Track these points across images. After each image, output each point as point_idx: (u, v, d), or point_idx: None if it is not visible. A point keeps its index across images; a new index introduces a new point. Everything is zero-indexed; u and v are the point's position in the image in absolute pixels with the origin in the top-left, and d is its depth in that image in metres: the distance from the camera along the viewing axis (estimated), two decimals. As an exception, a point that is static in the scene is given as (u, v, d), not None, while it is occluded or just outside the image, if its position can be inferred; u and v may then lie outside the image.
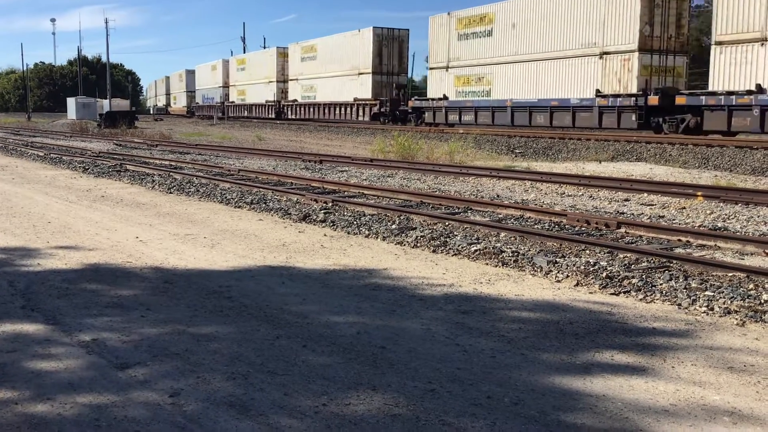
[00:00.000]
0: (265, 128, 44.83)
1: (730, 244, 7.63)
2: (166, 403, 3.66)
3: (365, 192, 12.24)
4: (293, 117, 52.09)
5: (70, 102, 66.71)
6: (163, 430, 3.37)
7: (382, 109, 40.91)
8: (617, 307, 5.51)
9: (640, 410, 3.61)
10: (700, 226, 9.06)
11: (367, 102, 42.27)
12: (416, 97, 39.08)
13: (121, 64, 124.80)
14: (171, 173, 15.34)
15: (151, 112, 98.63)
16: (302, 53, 51.70)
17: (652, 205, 11.08)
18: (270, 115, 56.28)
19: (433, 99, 36.42)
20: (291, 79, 53.60)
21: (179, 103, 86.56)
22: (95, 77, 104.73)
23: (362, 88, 42.95)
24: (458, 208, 10.39)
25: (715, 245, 7.67)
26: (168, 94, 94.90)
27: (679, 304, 5.53)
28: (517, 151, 25.08)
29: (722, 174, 16.90)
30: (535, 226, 8.88)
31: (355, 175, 15.75)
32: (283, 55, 55.85)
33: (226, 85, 68.41)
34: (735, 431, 3.39)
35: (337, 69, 45.89)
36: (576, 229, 8.75)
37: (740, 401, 3.75)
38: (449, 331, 4.87)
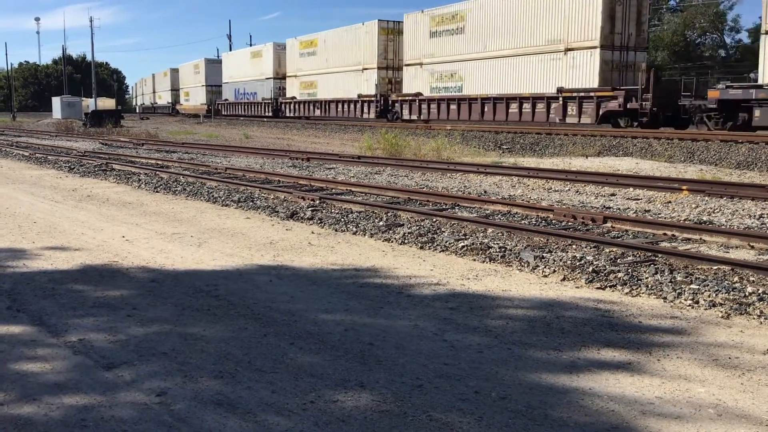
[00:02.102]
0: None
1: (715, 238, 7.69)
2: (153, 403, 3.65)
3: (353, 189, 12.23)
4: (414, 117, 36.08)
5: (55, 101, 66.25)
6: (150, 430, 3.36)
7: (627, 105, 24.86)
8: (603, 301, 5.54)
9: (626, 404, 3.64)
10: (685, 219, 9.12)
11: (594, 93, 26.04)
12: (726, 84, 22.77)
13: (106, 63, 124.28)
14: (157, 172, 15.27)
15: (137, 111, 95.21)
16: (433, 26, 35.00)
17: (638, 199, 11.15)
18: (366, 115, 40.45)
19: None
20: (410, 64, 37.15)
21: (194, 99, 70.60)
22: (80, 76, 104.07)
23: (576, 72, 27.17)
24: (446, 205, 10.40)
25: (700, 239, 7.73)
26: (176, 89, 78.74)
27: (665, 298, 5.56)
28: (504, 147, 25.12)
29: (707, 168, 17.02)
30: (522, 222, 8.91)
31: (343, 172, 15.74)
32: (387, 31, 39.57)
33: (280, 76, 52.43)
34: (720, 423, 3.42)
35: (516, 45, 29.80)
36: (563, 224, 8.78)
37: (725, 394, 3.78)
38: (437, 327, 4.89)
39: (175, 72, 79.69)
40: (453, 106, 33.66)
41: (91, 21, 67.25)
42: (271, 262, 6.96)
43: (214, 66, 66.96)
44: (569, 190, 12.42)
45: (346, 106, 42.85)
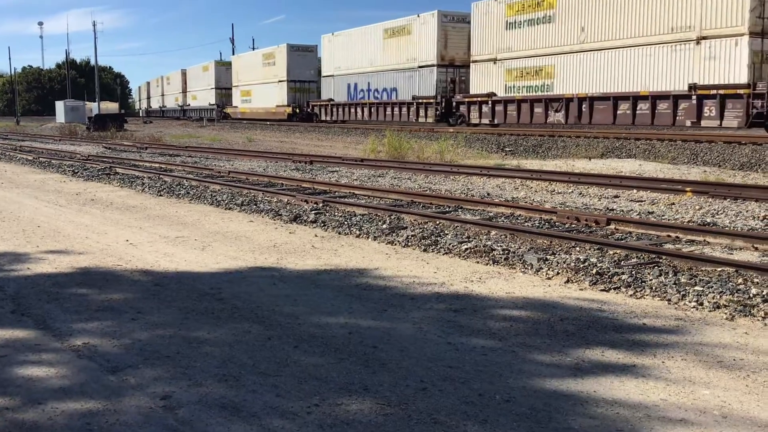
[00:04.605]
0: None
1: (719, 239, 7.68)
2: (158, 407, 3.66)
3: (356, 192, 12.24)
4: None
5: (59, 105, 66.48)
6: (155, 434, 3.36)
7: None
8: (607, 303, 5.54)
9: (631, 406, 3.63)
10: (689, 221, 9.11)
11: None
12: None
13: (109, 67, 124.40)
14: (161, 175, 15.30)
15: (141, 114, 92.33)
16: None
17: (642, 201, 11.13)
18: (716, 120, 22.12)
19: None
20: None
21: (264, 100, 53.37)
22: (84, 80, 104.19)
23: None
24: (449, 207, 10.40)
25: (704, 240, 7.71)
26: (223, 88, 63.22)
27: (669, 300, 5.56)
28: (507, 149, 25.12)
29: (711, 169, 16.99)
30: (526, 224, 8.90)
31: (346, 175, 15.75)
32: None
33: (448, 62, 34.94)
34: (725, 426, 3.41)
35: None
36: (566, 226, 8.78)
37: (730, 396, 3.77)
38: (441, 330, 4.89)
39: (222, 66, 64.33)
40: None
41: (94, 25, 67.34)
42: (274, 265, 6.97)
43: (299, 55, 49.85)
44: (572, 192, 12.41)
45: (646, 104, 24.21)
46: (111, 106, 67.46)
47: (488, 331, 4.87)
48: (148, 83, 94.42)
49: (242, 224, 9.42)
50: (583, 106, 26.76)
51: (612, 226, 8.53)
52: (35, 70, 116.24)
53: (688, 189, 11.67)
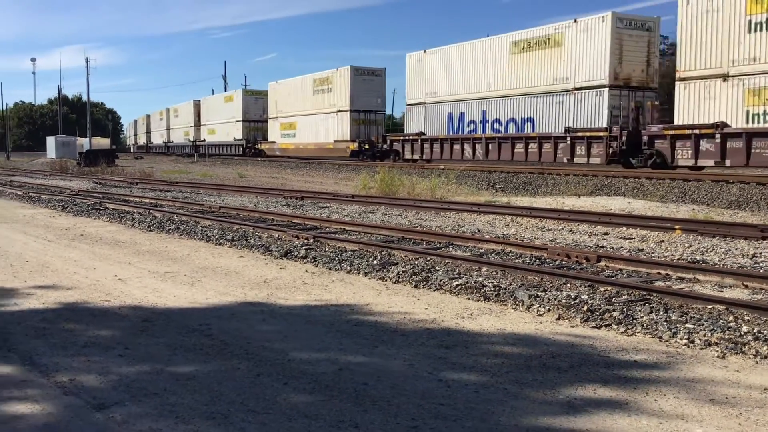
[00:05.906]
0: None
1: (709, 277, 7.69)
2: (144, 444, 3.59)
3: (347, 228, 12.23)
4: None
5: (50, 141, 66.46)
6: (141, 472, 3.30)
7: None
8: (599, 340, 5.52)
9: (624, 444, 3.60)
10: (678, 259, 9.13)
11: None
12: None
13: (101, 103, 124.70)
14: (151, 211, 15.26)
15: (132, 150, 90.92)
16: None
17: (631, 238, 11.17)
18: None
19: None
20: None
21: (315, 134, 43.90)
22: (75, 116, 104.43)
23: None
24: (439, 243, 10.40)
25: (694, 278, 7.73)
26: (252, 121, 54.09)
27: (660, 337, 5.55)
28: (497, 186, 25.22)
29: (699, 208, 17.10)
30: (517, 261, 8.90)
31: (337, 211, 15.76)
32: None
33: (621, 83, 25.24)
34: (718, 464, 3.38)
35: None
36: (557, 263, 8.78)
37: (723, 433, 3.74)
38: (432, 367, 4.85)
39: (251, 95, 55.50)
40: None
41: (87, 62, 67.44)
42: (264, 301, 6.92)
43: (365, 80, 40.50)
44: (562, 229, 12.44)
45: None
46: (102, 142, 67.19)
47: (480, 367, 4.84)
48: (148, 116, 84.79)
49: (232, 259, 9.38)
50: None
51: (602, 263, 8.54)
52: (27, 105, 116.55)
53: (677, 227, 11.73)
